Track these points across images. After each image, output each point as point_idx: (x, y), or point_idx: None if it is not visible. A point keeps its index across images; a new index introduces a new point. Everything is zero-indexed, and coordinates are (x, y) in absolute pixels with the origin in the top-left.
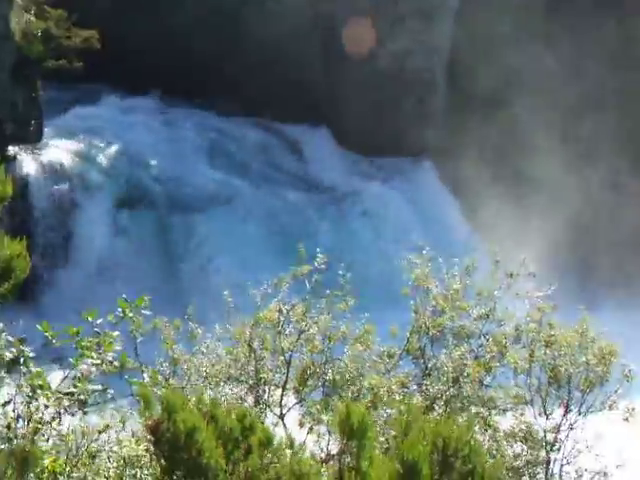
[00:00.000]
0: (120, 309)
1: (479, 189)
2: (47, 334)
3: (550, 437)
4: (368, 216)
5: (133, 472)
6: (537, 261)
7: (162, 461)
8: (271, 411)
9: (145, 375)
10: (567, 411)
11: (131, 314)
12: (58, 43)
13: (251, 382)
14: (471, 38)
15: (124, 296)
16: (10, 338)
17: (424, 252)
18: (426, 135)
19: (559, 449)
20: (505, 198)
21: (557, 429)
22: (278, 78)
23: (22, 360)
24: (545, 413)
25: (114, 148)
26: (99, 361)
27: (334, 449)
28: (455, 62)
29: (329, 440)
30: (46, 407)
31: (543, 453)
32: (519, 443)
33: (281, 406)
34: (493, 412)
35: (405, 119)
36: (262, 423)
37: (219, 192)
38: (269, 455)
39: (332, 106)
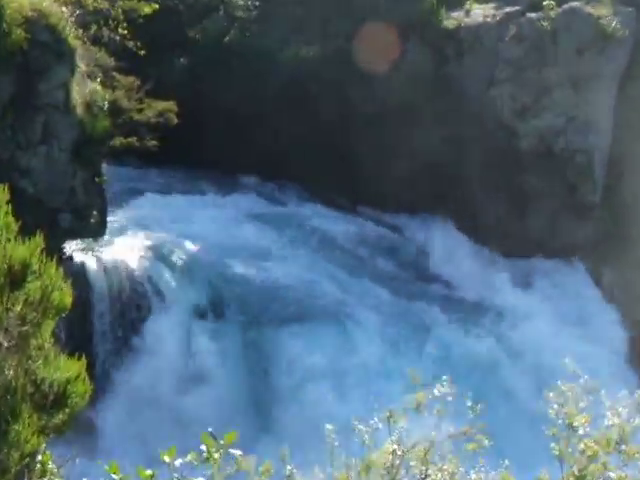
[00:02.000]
0: (203, 446)
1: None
2: (115, 477)
3: None
4: (502, 335)
5: None
6: None
7: None
8: None
9: None
10: None
11: (217, 454)
12: (128, 117)
13: None
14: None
15: (210, 429)
16: None
17: (580, 380)
18: (580, 231)
19: None
20: None
21: None
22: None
23: None
24: None
25: (194, 246)
26: None
27: None
28: (617, 141)
29: None
30: None
31: None
32: None
33: None
34: None
35: (553, 211)
36: None
37: (325, 301)
38: None
39: (459, 193)
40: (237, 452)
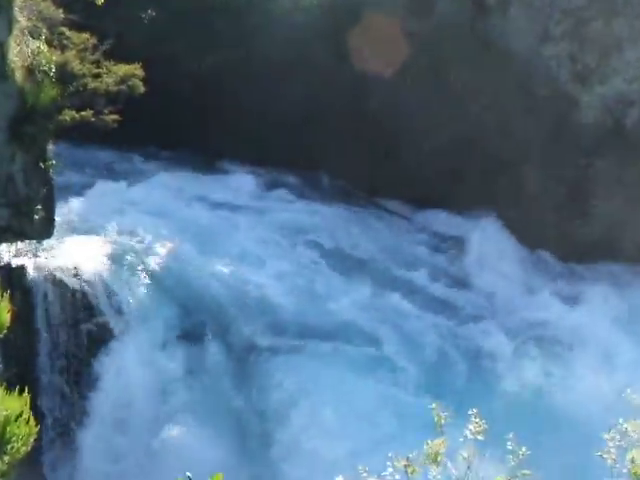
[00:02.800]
0: None
1: None
2: None
3: None
4: (548, 360)
5: None
6: None
7: None
8: None
9: None
10: None
11: None
12: (81, 85)
13: None
14: None
15: (188, 475)
16: None
17: None
18: None
19: None
20: None
21: None
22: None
23: None
24: None
25: (165, 251)
26: None
27: None
28: None
29: None
30: None
31: None
32: None
33: None
34: None
35: (624, 204)
36: None
37: (333, 322)
38: None
39: (504, 182)
40: None
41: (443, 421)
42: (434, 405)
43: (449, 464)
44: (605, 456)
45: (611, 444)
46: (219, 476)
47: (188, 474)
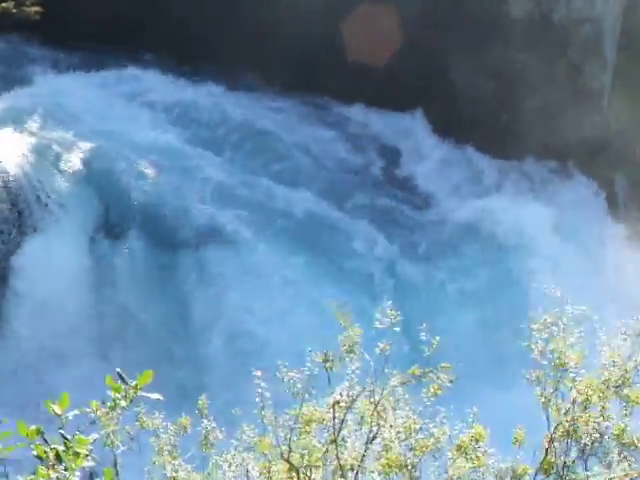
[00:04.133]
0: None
1: None
2: None
3: None
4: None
5: None
6: None
7: None
8: None
9: None
10: None
11: (125, 401)
12: None
13: None
14: None
15: (118, 370)
16: None
17: (567, 309)
18: (583, 126)
19: None
20: None
21: None
22: None
23: None
24: None
25: (90, 145)
26: None
27: None
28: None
29: None
30: None
31: None
32: None
33: None
34: None
35: (550, 100)
36: None
37: (255, 214)
38: None
39: (432, 80)
40: (155, 396)
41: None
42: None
43: (366, 355)
44: (532, 347)
45: (537, 335)
46: (148, 374)
47: (118, 370)
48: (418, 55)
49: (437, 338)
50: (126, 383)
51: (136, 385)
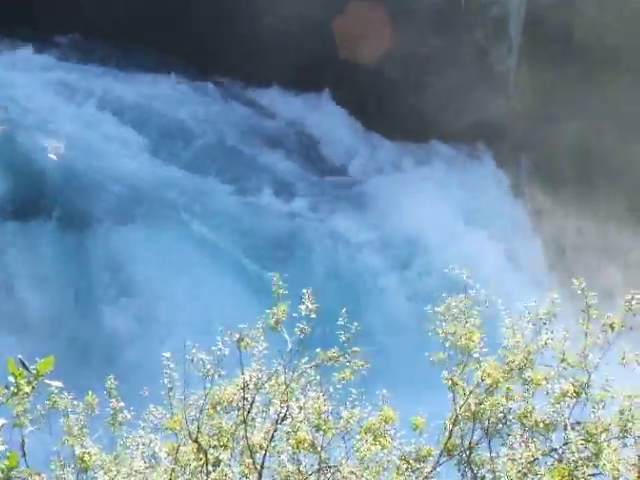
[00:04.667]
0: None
1: (560, 193)
2: None
3: None
4: (385, 231)
5: None
6: None
7: None
8: None
9: None
10: None
11: (28, 387)
12: None
13: None
14: None
15: (19, 356)
16: None
17: (470, 291)
18: (489, 108)
19: None
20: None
21: None
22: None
23: None
24: None
25: None
26: None
27: None
28: None
29: None
30: None
31: None
32: None
33: None
34: None
35: (457, 83)
36: None
37: (163, 193)
38: None
39: (338, 64)
40: (56, 383)
41: (281, 291)
42: (275, 275)
43: (286, 335)
44: (439, 330)
45: (442, 318)
46: (49, 360)
47: (20, 357)
48: (326, 38)
49: (355, 324)
50: (27, 369)
51: (38, 372)
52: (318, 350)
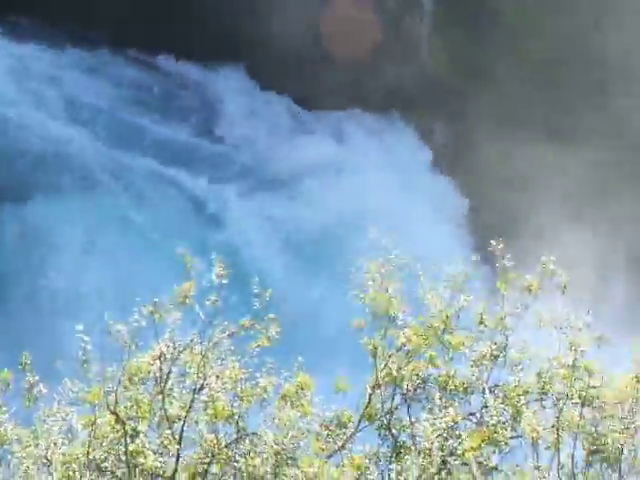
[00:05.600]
0: None
1: (475, 157)
2: None
3: None
4: (304, 196)
5: None
6: (570, 266)
7: None
8: None
9: None
10: None
11: None
12: None
13: (120, 473)
14: None
15: None
16: None
17: (391, 256)
18: (402, 76)
19: None
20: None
21: None
22: None
23: None
24: None
25: None
26: None
27: None
28: None
29: None
30: None
31: None
32: None
33: None
34: None
35: (370, 50)
36: None
37: (74, 163)
38: None
39: (251, 29)
40: None
41: (191, 265)
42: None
43: (197, 307)
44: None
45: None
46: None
47: None
48: (242, 7)
49: (269, 291)
50: None
51: None
52: (226, 323)
